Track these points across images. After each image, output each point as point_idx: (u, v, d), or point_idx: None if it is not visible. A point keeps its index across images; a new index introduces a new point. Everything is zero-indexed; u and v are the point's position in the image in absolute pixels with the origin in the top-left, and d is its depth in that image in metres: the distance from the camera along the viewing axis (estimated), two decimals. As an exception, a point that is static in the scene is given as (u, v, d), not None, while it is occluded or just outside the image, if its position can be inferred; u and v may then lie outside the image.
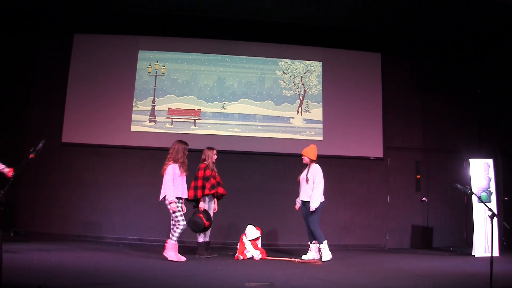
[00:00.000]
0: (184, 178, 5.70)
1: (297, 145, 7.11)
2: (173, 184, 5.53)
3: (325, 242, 5.98)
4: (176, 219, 5.55)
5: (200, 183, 5.95)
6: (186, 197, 5.79)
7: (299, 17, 7.82)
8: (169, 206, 5.53)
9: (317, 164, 6.15)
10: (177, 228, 5.52)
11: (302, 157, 6.20)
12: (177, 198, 5.55)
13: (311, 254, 6.05)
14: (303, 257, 6.05)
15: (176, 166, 5.59)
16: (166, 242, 5.62)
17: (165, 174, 5.57)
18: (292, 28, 8.15)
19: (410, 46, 8.47)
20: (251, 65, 8.35)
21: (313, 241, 6.09)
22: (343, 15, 7.62)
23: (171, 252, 5.50)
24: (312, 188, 6.00)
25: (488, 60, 8.58)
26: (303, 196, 6.12)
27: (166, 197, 5.53)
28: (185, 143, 5.81)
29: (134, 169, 7.88)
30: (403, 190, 8.31)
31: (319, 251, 6.03)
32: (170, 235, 5.57)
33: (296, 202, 6.26)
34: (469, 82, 8.74)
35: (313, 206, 5.91)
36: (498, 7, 6.56)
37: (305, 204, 6.10)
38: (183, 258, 5.53)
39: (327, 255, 5.93)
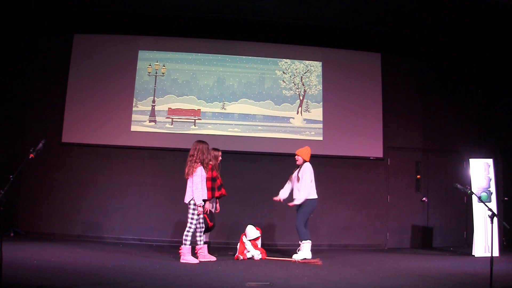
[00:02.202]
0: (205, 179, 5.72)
1: (297, 145, 7.09)
2: (202, 187, 5.53)
3: (308, 241, 6.00)
4: (200, 220, 5.58)
5: (209, 184, 5.89)
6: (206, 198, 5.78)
7: (299, 17, 7.82)
8: (192, 209, 5.50)
9: (308, 163, 6.24)
10: (191, 230, 5.53)
11: (296, 157, 6.29)
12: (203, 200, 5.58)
13: (303, 254, 6.04)
14: (294, 256, 6.06)
15: (202, 167, 5.59)
16: (197, 249, 5.71)
17: (193, 176, 5.51)
18: (292, 28, 8.15)
19: (410, 46, 8.48)
20: (251, 65, 8.35)
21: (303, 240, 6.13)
22: (343, 15, 7.62)
23: (188, 256, 5.51)
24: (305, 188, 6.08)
25: (488, 60, 8.58)
26: (295, 195, 6.20)
27: (193, 200, 5.50)
28: (207, 143, 5.79)
29: (134, 169, 7.88)
30: (403, 190, 8.31)
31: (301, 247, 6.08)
32: (197, 240, 5.64)
33: (279, 193, 6.33)
34: (469, 82, 8.74)
35: (297, 202, 6.04)
36: (498, 7, 6.57)
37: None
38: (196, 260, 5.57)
39: (304, 254, 5.96)
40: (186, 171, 5.58)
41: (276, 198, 6.35)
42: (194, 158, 5.59)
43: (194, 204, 5.49)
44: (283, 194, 6.35)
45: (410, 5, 7.04)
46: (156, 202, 7.78)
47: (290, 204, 6.27)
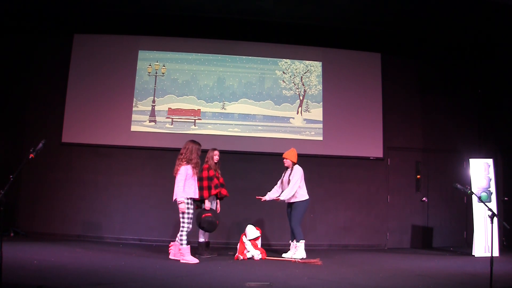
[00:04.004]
0: (196, 178, 5.68)
1: (297, 145, 7.10)
2: (185, 185, 5.51)
3: (302, 241, 6.10)
4: (184, 220, 5.55)
5: (205, 183, 5.96)
6: (197, 197, 5.76)
7: (299, 17, 7.83)
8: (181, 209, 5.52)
9: (297, 165, 6.33)
10: (183, 229, 5.51)
11: (284, 160, 6.37)
12: (190, 199, 5.55)
13: (300, 253, 6.09)
14: (284, 255, 6.18)
15: (189, 167, 5.56)
16: (170, 246, 5.77)
17: (177, 174, 5.53)
18: (292, 28, 8.16)
19: (410, 46, 8.48)
20: (251, 65, 8.35)
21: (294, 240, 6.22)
22: (343, 15, 7.63)
23: (188, 256, 5.51)
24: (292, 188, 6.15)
25: (488, 60, 8.58)
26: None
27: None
28: (199, 144, 5.77)
29: (134, 169, 7.88)
30: (403, 190, 8.31)
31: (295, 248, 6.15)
32: (179, 239, 5.56)
33: (267, 194, 6.37)
34: (469, 82, 8.74)
35: (282, 197, 6.15)
36: (498, 8, 6.57)
37: (291, 205, 6.27)
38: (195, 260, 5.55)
39: (300, 254, 6.05)
40: (175, 169, 5.62)
41: (260, 197, 6.36)
42: (182, 156, 5.61)
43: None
44: (269, 195, 6.38)
45: (410, 5, 7.04)
46: (156, 202, 7.78)
47: (263, 198, 6.33)
